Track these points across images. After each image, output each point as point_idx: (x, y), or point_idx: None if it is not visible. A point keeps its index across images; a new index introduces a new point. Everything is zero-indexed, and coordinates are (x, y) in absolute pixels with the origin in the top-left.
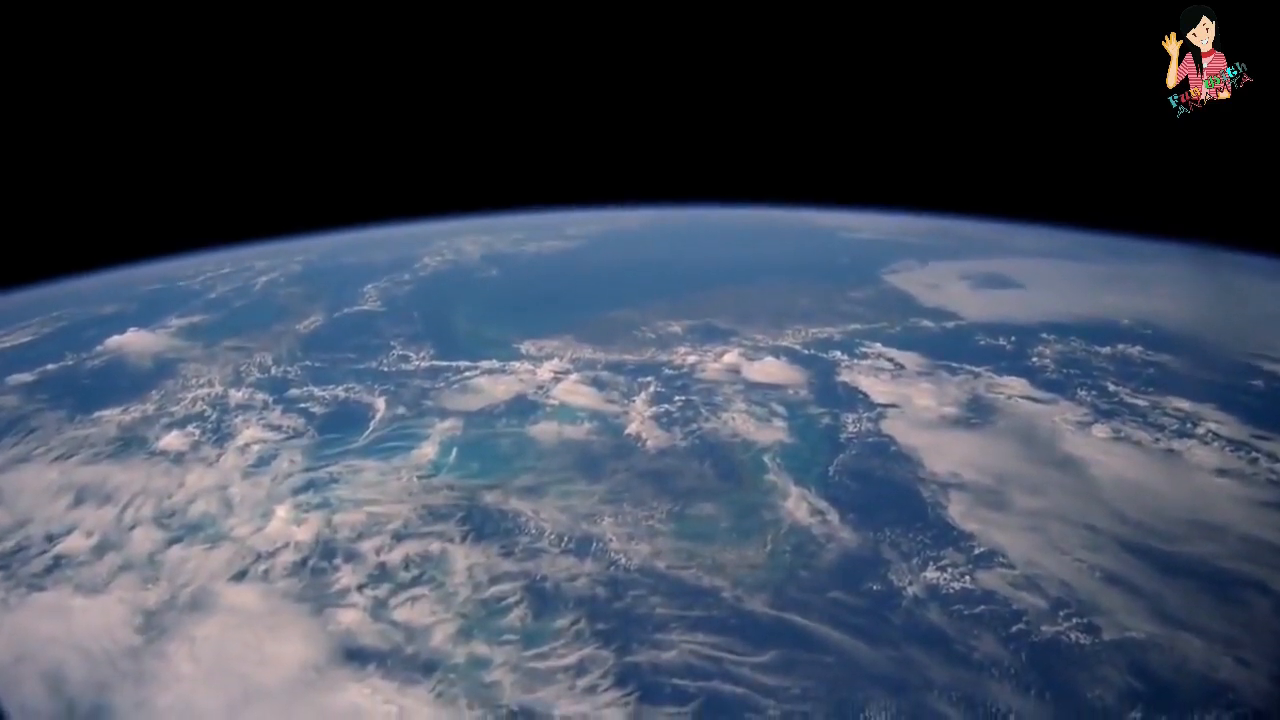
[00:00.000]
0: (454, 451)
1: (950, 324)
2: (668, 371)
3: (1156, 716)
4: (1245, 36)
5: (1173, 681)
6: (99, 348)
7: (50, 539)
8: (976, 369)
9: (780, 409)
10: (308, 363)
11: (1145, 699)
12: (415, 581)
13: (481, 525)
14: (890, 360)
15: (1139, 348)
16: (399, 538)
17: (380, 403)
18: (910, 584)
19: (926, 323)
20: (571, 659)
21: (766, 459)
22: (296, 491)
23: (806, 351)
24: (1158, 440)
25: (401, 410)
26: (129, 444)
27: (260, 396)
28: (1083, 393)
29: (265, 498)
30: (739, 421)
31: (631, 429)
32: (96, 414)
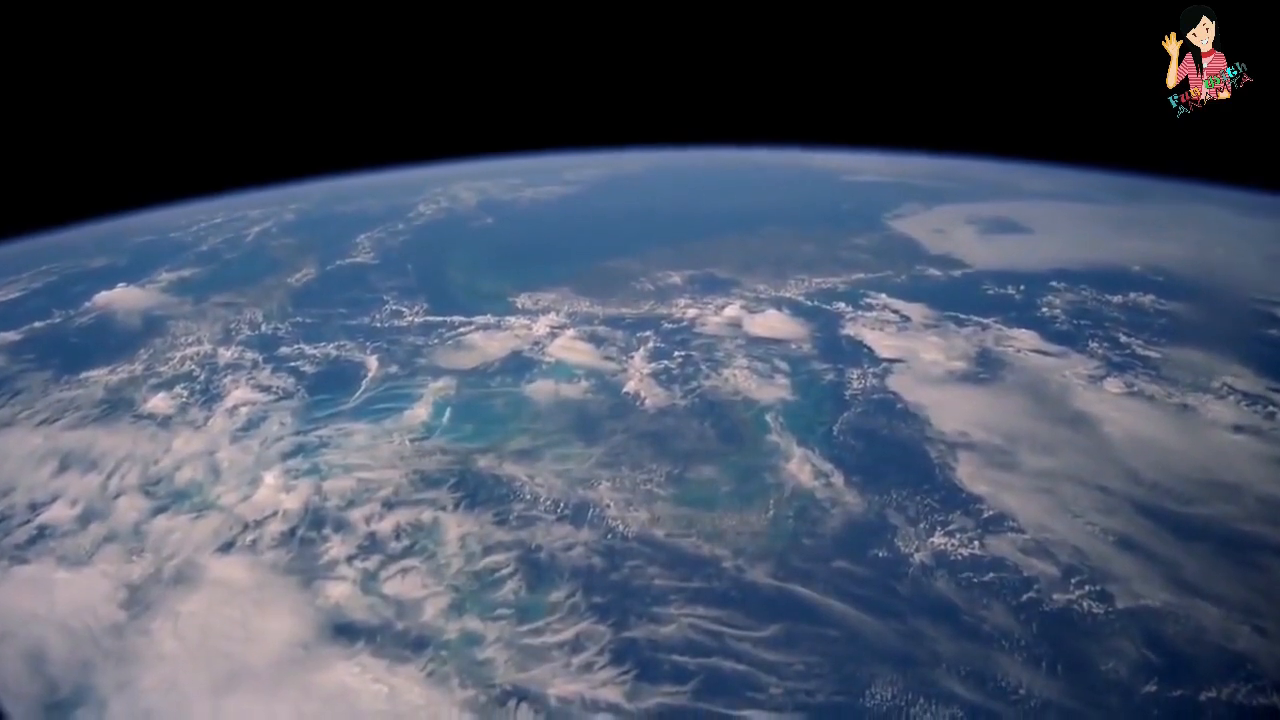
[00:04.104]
0: (447, 413)
1: (957, 272)
2: (667, 325)
3: (1172, 690)
4: (1245, 36)
5: (1188, 653)
6: (87, 304)
7: (33, 508)
8: (985, 320)
9: (783, 365)
10: (299, 319)
11: (1160, 671)
12: (406, 552)
13: (475, 491)
14: (896, 312)
15: (1151, 296)
16: (390, 506)
17: (372, 361)
18: (917, 550)
19: (933, 271)
20: (567, 634)
21: (769, 418)
22: (285, 456)
23: (809, 303)
24: (1171, 395)
25: (394, 369)
26: (116, 406)
27: (250, 355)
28: (1094, 345)
29: (253, 463)
30: (740, 378)
31: (630, 387)
32: (83, 374)
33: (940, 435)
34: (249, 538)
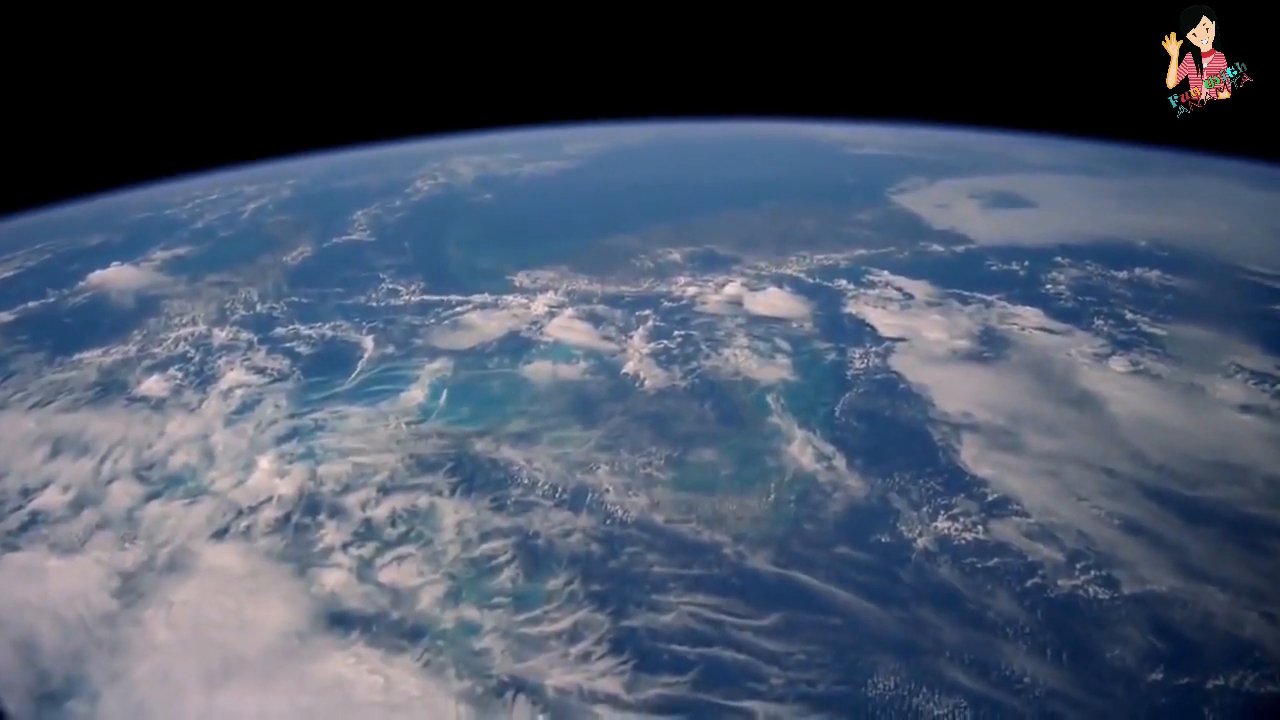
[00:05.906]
0: (444, 395)
1: (960, 248)
2: (667, 304)
3: (1178, 678)
4: (1245, 36)
5: (1196, 639)
6: (81, 284)
7: (26, 493)
8: (988, 297)
9: (784, 344)
10: (294, 298)
11: (1167, 659)
12: (402, 539)
13: (472, 476)
14: (898, 289)
15: (1157, 271)
16: (386, 491)
17: (368, 341)
18: (920, 535)
19: (936, 247)
20: (565, 623)
21: (769, 399)
22: (280, 440)
23: (811, 280)
24: (1178, 374)
25: (390, 349)
26: (109, 389)
27: (245, 336)
28: (1099, 322)
29: (248, 447)
30: (741, 358)
31: (629, 368)
32: (77, 356)
33: (943, 416)
34: (243, 524)
